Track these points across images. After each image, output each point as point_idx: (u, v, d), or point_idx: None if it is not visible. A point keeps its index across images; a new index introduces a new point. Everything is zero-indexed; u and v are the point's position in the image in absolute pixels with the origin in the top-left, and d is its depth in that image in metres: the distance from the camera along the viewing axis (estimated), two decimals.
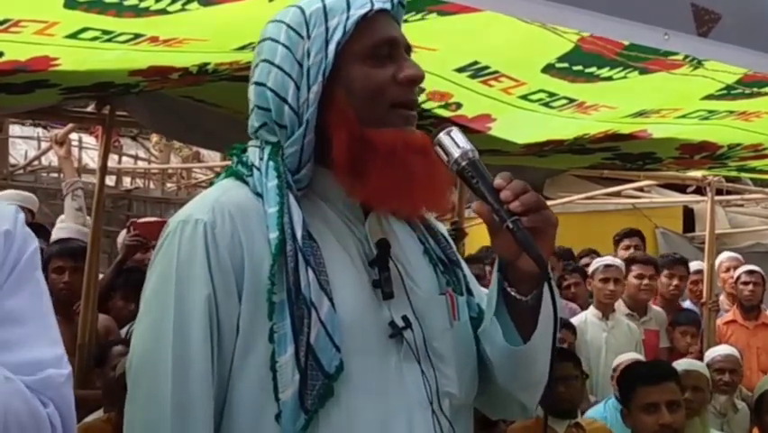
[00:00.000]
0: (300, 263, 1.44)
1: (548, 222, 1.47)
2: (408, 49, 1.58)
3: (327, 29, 1.51)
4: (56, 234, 5.34)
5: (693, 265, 6.49)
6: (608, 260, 5.76)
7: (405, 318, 1.50)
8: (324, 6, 1.53)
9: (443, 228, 1.71)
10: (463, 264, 1.69)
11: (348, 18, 1.51)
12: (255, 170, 1.53)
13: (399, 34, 1.56)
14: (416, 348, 1.51)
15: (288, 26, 1.54)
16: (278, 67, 1.53)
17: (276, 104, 1.53)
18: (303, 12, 1.54)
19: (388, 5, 1.55)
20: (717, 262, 6.72)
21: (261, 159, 1.53)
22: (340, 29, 1.51)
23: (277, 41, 1.54)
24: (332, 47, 1.51)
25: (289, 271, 1.43)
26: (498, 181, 1.46)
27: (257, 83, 1.56)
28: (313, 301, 1.42)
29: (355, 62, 1.52)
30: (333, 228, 1.53)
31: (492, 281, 1.57)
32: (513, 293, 1.53)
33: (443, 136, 1.49)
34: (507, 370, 1.58)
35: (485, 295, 1.64)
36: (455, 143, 1.48)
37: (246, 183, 1.54)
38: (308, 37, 1.52)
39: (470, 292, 1.65)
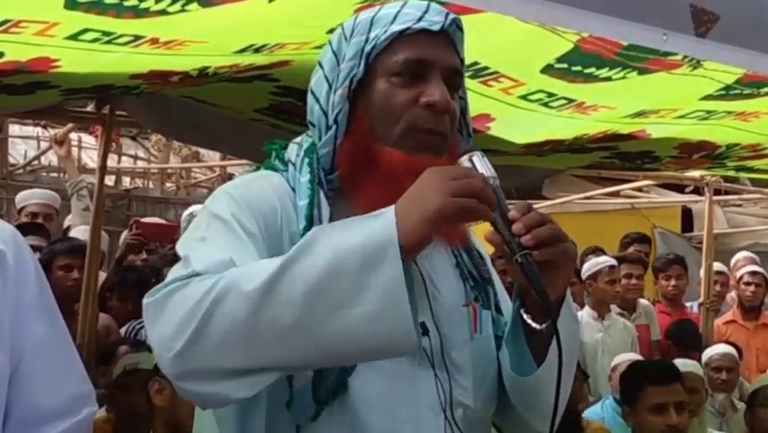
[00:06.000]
0: None
1: (564, 255, 1.42)
2: (454, 75, 1.53)
3: (367, 39, 1.52)
4: (80, 236, 5.31)
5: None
6: (614, 261, 5.75)
7: (423, 325, 1.48)
8: (374, 17, 1.54)
9: (482, 246, 1.67)
10: (497, 284, 1.67)
11: (385, 32, 1.51)
12: (290, 166, 1.56)
13: (440, 58, 1.51)
14: (432, 355, 1.50)
15: (342, 31, 1.57)
16: (322, 67, 1.57)
17: (311, 101, 1.57)
18: (356, 19, 1.56)
19: (435, 27, 1.51)
20: (732, 261, 6.75)
21: (298, 155, 1.56)
22: (374, 41, 1.51)
23: (330, 45, 1.58)
24: (364, 57, 1.51)
25: None
26: (512, 213, 1.41)
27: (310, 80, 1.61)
28: None
29: (383, 77, 1.51)
30: None
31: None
32: (529, 321, 1.50)
33: (464, 161, 1.46)
34: (516, 395, 1.57)
35: None
36: (475, 169, 1.44)
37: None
38: (350, 43, 1.54)
39: (499, 311, 1.63)
